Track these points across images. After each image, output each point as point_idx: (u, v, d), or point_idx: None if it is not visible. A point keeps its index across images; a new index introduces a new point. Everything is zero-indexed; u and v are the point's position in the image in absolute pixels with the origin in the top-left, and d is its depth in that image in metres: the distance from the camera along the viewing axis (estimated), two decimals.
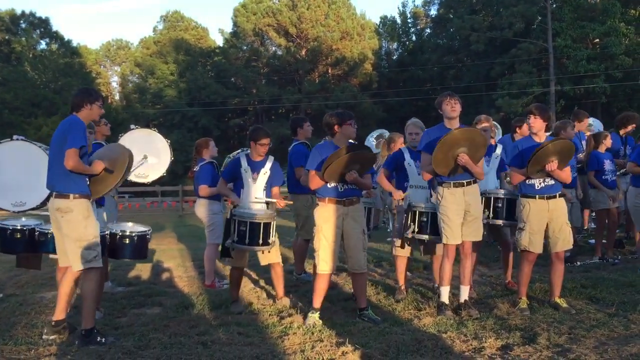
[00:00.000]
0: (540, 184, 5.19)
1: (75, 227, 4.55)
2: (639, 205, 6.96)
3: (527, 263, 5.29)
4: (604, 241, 7.61)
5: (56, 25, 75.44)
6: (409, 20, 46.75)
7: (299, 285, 6.60)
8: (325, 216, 5.05)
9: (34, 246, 5.36)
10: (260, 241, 5.30)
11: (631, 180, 7.12)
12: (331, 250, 5.02)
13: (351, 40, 41.58)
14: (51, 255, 5.28)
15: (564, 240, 5.24)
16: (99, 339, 4.49)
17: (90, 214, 4.64)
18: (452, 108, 5.13)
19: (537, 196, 5.19)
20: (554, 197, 5.22)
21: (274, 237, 5.47)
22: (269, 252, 5.55)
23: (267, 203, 5.59)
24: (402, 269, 6.03)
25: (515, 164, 5.27)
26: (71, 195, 4.54)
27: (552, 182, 5.20)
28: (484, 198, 5.68)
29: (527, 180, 5.21)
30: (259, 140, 5.57)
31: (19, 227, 5.36)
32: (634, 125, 8.03)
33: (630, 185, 7.12)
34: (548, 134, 5.91)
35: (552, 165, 5.00)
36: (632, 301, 5.26)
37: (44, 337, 4.67)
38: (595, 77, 31.71)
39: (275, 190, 5.74)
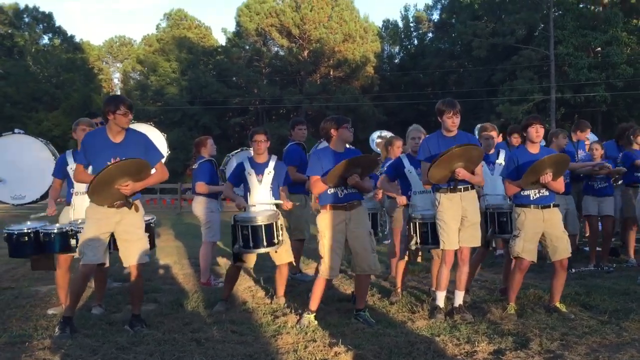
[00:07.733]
0: (535, 194, 5.24)
1: None
2: None
3: (519, 270, 5.33)
4: (598, 249, 7.63)
5: (59, 21, 75.65)
6: (411, 25, 46.80)
7: (294, 285, 6.59)
8: (327, 222, 5.05)
9: (41, 248, 5.35)
10: (265, 242, 5.30)
11: None
12: (335, 255, 5.03)
13: (353, 42, 41.52)
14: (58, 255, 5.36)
15: (563, 249, 5.26)
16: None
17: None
18: (453, 123, 5.11)
19: (532, 206, 5.24)
20: (549, 206, 5.27)
21: (281, 237, 5.46)
22: (275, 252, 5.56)
23: (276, 205, 5.64)
24: (401, 272, 6.02)
25: (511, 176, 5.31)
26: None
27: (547, 192, 5.25)
28: (488, 213, 5.74)
29: (522, 191, 5.26)
30: (253, 137, 5.77)
31: (24, 231, 5.35)
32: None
33: None
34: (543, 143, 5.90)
35: (547, 177, 5.06)
36: (625, 309, 5.28)
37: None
38: (596, 85, 31.75)
39: (283, 190, 5.82)
